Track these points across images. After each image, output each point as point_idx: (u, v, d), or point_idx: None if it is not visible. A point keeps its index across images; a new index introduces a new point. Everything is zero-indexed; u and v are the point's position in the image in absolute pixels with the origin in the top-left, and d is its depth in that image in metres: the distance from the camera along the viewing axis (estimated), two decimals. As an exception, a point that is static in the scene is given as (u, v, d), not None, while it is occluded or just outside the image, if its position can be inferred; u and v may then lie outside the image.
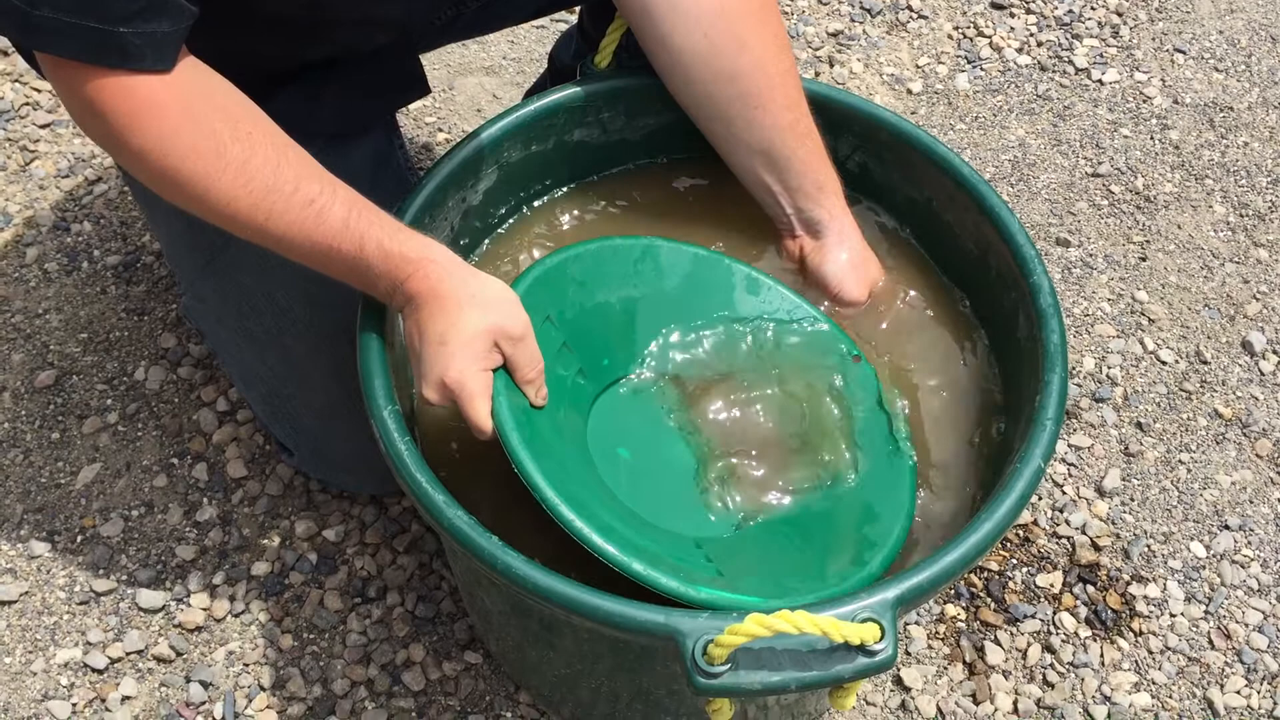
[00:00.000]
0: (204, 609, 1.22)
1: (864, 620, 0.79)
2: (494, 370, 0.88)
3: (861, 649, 0.78)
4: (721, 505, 0.96)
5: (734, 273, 1.05)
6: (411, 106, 1.67)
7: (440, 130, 1.65)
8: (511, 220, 1.13)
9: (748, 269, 1.05)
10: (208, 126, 0.83)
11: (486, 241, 1.12)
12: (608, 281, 1.00)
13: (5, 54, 1.67)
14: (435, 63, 1.72)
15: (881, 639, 0.79)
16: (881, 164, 1.13)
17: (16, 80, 1.64)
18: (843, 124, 1.12)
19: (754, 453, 0.98)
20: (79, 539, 1.26)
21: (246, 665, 1.19)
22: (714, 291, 1.04)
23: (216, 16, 0.85)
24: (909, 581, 0.82)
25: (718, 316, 1.03)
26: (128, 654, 1.19)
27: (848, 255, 1.06)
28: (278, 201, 0.85)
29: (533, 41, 1.77)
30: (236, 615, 1.22)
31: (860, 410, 1.01)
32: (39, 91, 1.64)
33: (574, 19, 1.61)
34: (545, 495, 0.85)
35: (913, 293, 1.10)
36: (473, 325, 0.86)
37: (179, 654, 1.19)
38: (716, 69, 1.02)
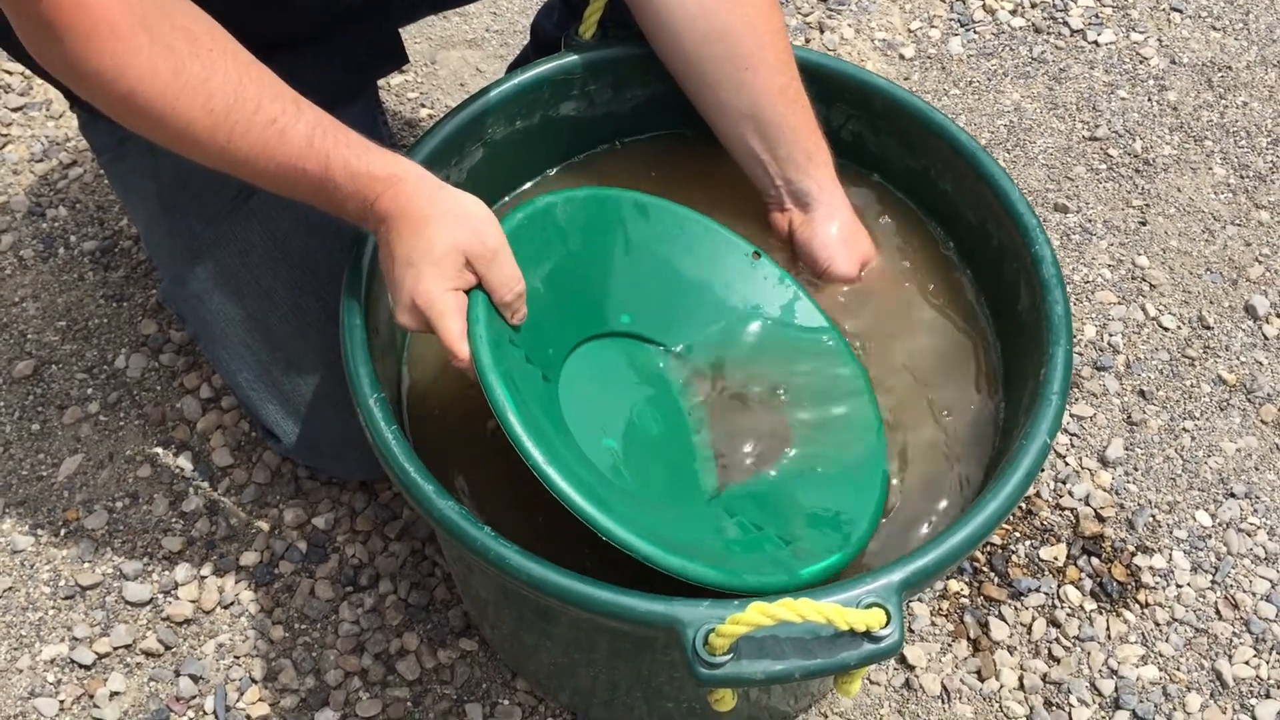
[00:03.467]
0: (192, 601, 1.19)
1: (868, 606, 0.77)
2: (470, 291, 0.85)
3: (867, 635, 0.76)
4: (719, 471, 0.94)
5: (621, 204, 0.99)
6: (393, 82, 1.63)
7: (423, 106, 1.62)
8: (501, 200, 1.10)
9: (635, 195, 1.00)
10: (165, 45, 0.79)
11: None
12: (525, 269, 0.92)
13: (-25, 35, 1.62)
14: (417, 36, 1.68)
15: (887, 624, 0.76)
16: (876, 133, 1.10)
17: (-13, 62, 1.60)
18: (835, 92, 1.09)
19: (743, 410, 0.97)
20: (62, 532, 1.23)
21: (237, 658, 1.17)
22: (608, 231, 0.98)
23: None
24: (914, 564, 0.80)
25: (614, 254, 0.98)
26: (115, 649, 1.17)
27: (838, 229, 1.03)
28: (239, 122, 0.81)
29: (516, 13, 1.73)
30: (226, 607, 1.20)
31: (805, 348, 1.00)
32: (10, 74, 1.60)
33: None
34: (509, 421, 0.81)
35: (906, 264, 1.07)
36: (440, 243, 0.82)
37: (168, 648, 1.17)
38: (705, 27, 0.99)
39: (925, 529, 0.94)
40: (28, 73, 1.60)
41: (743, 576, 0.82)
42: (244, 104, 0.81)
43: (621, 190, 0.99)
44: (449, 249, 0.82)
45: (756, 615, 0.74)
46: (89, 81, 0.79)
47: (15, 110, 1.56)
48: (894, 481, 0.96)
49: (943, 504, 0.95)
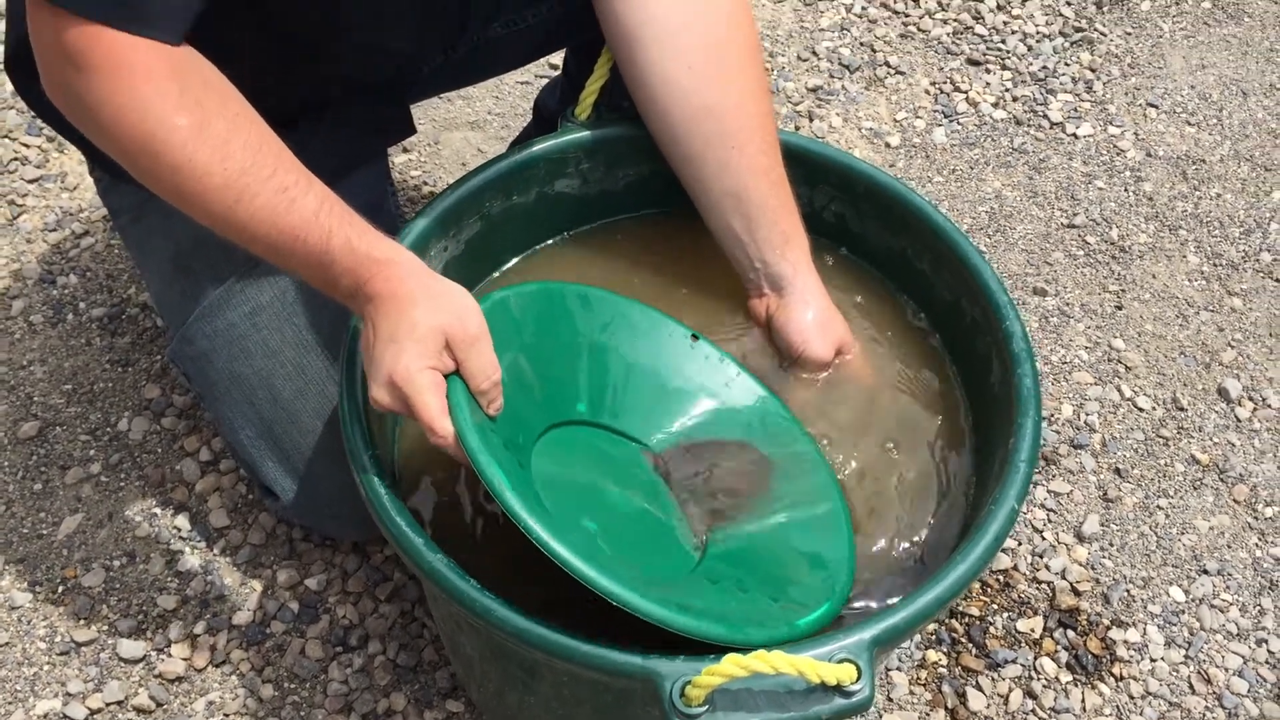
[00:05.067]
0: (185, 659, 1.22)
1: (840, 660, 0.80)
2: (449, 376, 0.86)
3: (839, 689, 0.79)
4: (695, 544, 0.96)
5: (565, 297, 1.02)
6: (397, 161, 1.69)
7: (425, 184, 1.67)
8: (496, 273, 1.15)
9: (577, 288, 1.03)
10: (195, 98, 0.82)
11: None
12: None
13: (-5, 110, 1.69)
14: (420, 118, 1.74)
15: (858, 679, 0.79)
16: (858, 213, 1.15)
17: (5, 136, 1.66)
18: (820, 174, 1.14)
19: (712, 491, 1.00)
20: (60, 589, 1.26)
21: (227, 715, 1.19)
22: (556, 324, 1.01)
23: (224, 22, 0.86)
24: (885, 622, 0.83)
25: (564, 346, 1.01)
26: (108, 704, 1.19)
27: (813, 314, 1.06)
28: (251, 183, 0.83)
29: (517, 97, 1.80)
30: (217, 665, 1.22)
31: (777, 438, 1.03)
32: (27, 147, 1.65)
33: (557, 71, 1.64)
34: (510, 504, 0.82)
35: (881, 344, 1.11)
36: (424, 322, 0.84)
37: (159, 704, 1.19)
38: (697, 103, 1.03)
39: (899, 591, 0.97)
40: (44, 146, 1.66)
41: (746, 630, 0.84)
42: (260, 168, 0.83)
43: (565, 284, 1.03)
44: (431, 329, 0.84)
45: (731, 667, 0.76)
46: (109, 120, 0.81)
47: (31, 182, 1.61)
48: (873, 549, 0.99)
49: (916, 567, 0.98)
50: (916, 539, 1.00)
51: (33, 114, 1.50)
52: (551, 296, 1.01)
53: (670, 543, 0.96)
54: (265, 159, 0.84)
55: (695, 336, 1.05)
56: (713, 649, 0.82)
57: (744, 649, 0.81)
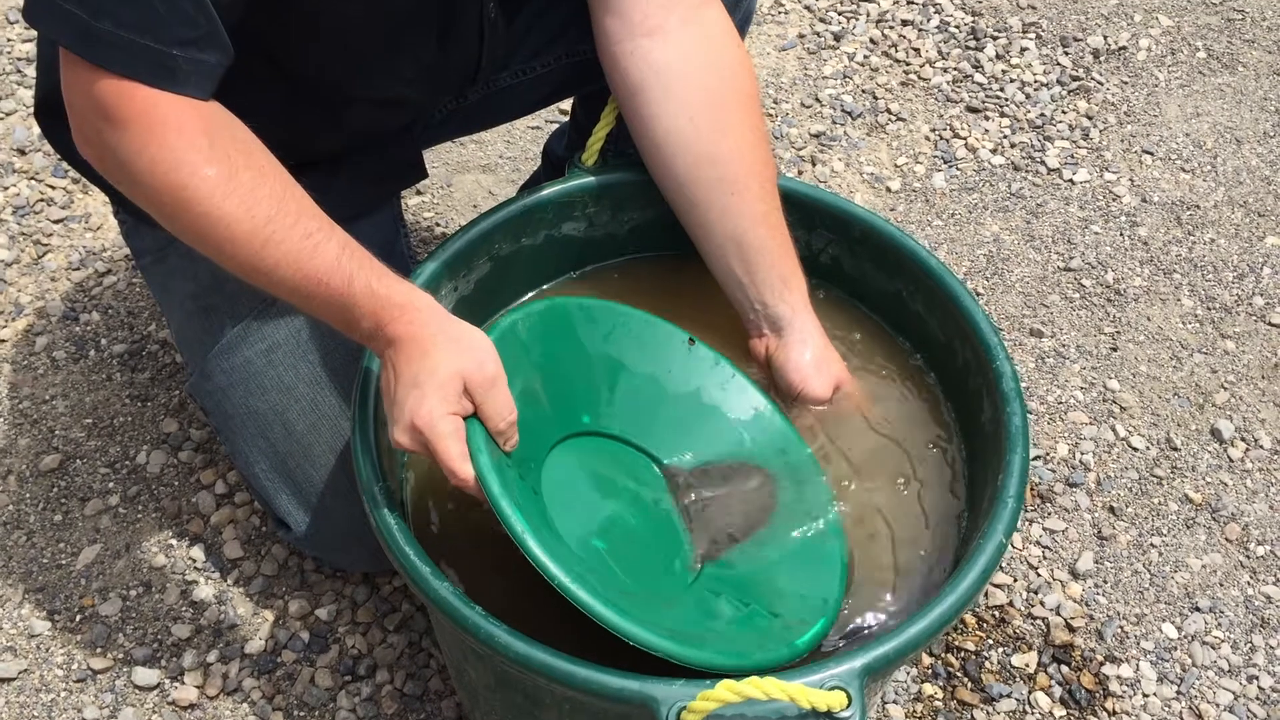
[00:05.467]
0: (198, 687, 1.25)
1: (832, 688, 0.83)
2: (467, 418, 0.89)
3: (829, 716, 0.82)
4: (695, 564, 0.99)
5: (569, 310, 1.05)
6: (410, 202, 1.74)
7: (438, 225, 1.72)
8: (505, 310, 1.19)
9: (579, 300, 1.06)
10: (223, 151, 0.86)
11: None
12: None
13: (22, 153, 1.74)
14: (434, 161, 1.79)
15: (849, 706, 0.82)
16: (853, 256, 1.18)
17: (32, 178, 1.71)
18: (816, 219, 1.18)
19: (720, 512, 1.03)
20: (78, 618, 1.29)
21: (238, 742, 1.22)
22: (561, 339, 1.04)
23: (245, 78, 0.90)
24: (875, 651, 0.86)
25: (569, 359, 1.04)
26: (122, 731, 1.22)
27: (811, 354, 1.09)
28: (278, 230, 0.87)
29: (528, 141, 1.85)
30: (229, 693, 1.25)
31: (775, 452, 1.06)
32: (53, 189, 1.71)
33: (566, 117, 1.69)
34: (531, 548, 0.85)
35: (877, 381, 1.14)
36: (444, 367, 0.87)
37: (172, 731, 1.22)
38: (698, 151, 1.07)
39: (892, 621, 1.00)
40: (69, 187, 1.71)
41: (750, 657, 0.87)
42: (285, 215, 0.88)
43: (568, 298, 1.07)
44: (452, 374, 0.87)
45: (725, 693, 0.80)
46: (142, 172, 0.85)
47: (56, 222, 1.66)
48: (868, 580, 1.02)
49: (910, 598, 1.01)
50: (910, 570, 1.03)
51: (58, 156, 1.55)
52: (556, 312, 1.04)
53: (675, 555, 1.00)
54: (289, 207, 0.88)
55: (691, 340, 1.09)
56: (711, 674, 0.85)
57: (743, 674, 0.85)
